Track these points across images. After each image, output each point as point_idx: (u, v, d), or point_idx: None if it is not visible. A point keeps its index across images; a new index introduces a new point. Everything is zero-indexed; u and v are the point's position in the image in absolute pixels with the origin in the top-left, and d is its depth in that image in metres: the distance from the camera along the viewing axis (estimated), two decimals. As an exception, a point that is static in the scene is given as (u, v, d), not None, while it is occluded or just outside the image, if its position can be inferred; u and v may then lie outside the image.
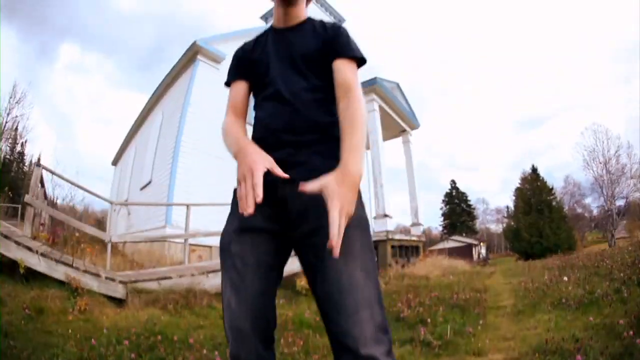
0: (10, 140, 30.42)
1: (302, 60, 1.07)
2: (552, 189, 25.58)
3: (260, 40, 1.19)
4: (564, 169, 77.67)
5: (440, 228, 47.03)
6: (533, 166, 26.36)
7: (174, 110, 9.59)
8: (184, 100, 8.97)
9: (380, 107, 9.04)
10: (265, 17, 15.05)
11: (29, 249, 3.72)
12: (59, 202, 7.09)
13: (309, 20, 1.19)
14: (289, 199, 0.90)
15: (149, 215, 9.33)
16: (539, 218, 23.03)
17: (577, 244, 23.25)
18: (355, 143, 0.86)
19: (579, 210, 33.51)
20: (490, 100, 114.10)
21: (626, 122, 49.00)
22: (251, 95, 1.18)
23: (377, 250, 7.69)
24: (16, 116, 29.41)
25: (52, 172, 6.27)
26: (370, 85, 8.68)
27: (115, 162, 18.14)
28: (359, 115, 0.91)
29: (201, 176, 8.69)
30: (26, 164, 33.16)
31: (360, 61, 1.08)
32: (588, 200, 31.27)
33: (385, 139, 9.58)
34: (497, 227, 49.19)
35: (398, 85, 10.07)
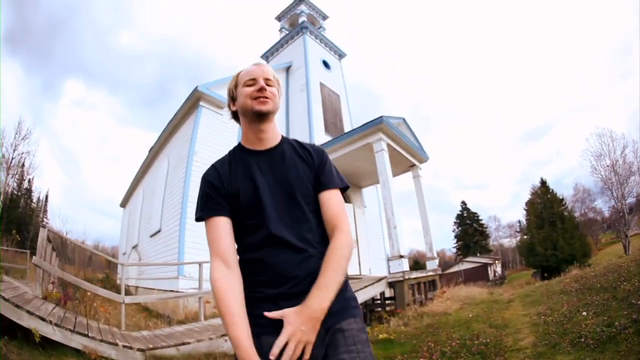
0: (17, 177, 31.02)
1: (301, 197, 1.06)
2: (562, 199, 25.33)
3: (235, 164, 1.12)
4: (573, 174, 76.96)
5: (454, 250, 46.42)
6: (542, 179, 26.19)
7: (180, 159, 9.68)
8: (189, 149, 9.06)
9: (388, 145, 8.99)
10: (265, 56, 15.50)
11: (42, 318, 3.70)
12: (66, 236, 7.10)
13: (284, 139, 1.18)
14: None
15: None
16: (552, 231, 22.75)
17: (591, 251, 23.04)
18: (325, 282, 0.93)
19: (591, 215, 33.15)
20: (494, 117, 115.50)
21: (628, 118, 48.64)
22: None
23: (395, 290, 7.61)
24: (22, 153, 30.18)
25: (59, 235, 6.34)
26: (377, 125, 8.64)
27: (123, 204, 18.33)
28: (338, 256, 0.98)
29: None
30: (34, 200, 33.70)
31: (344, 189, 1.15)
32: (598, 203, 30.87)
33: (394, 174, 9.53)
34: (510, 242, 48.53)
35: (404, 120, 10.08)
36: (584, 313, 4.78)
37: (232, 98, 1.18)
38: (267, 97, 1.09)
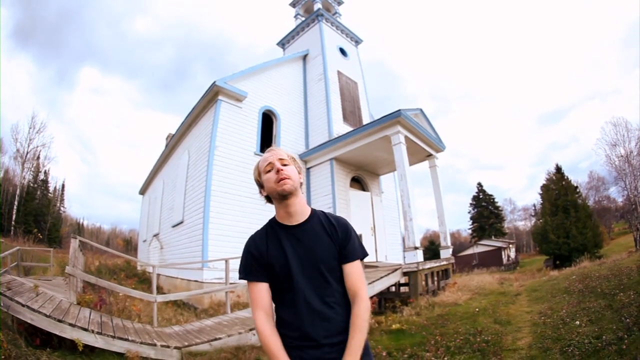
0: (33, 169, 31.69)
1: (325, 267, 1.28)
2: (576, 187, 25.10)
3: (271, 238, 1.34)
4: (589, 159, 75.27)
5: (470, 231, 46.40)
6: (557, 165, 25.91)
7: (200, 153, 9.82)
8: (210, 144, 9.17)
9: (406, 137, 9.00)
10: (282, 44, 15.22)
11: (84, 329, 3.95)
12: (85, 223, 7.46)
13: (314, 213, 1.38)
14: None
15: (184, 254, 9.58)
16: (566, 219, 22.76)
17: (603, 241, 23.04)
18: (355, 346, 1.19)
19: (605, 203, 32.71)
20: (512, 98, 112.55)
21: None
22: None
23: (409, 280, 7.81)
24: (37, 146, 30.74)
25: (88, 242, 6.58)
26: (395, 118, 8.67)
27: (142, 192, 18.72)
28: (361, 321, 1.23)
29: (234, 218, 8.87)
30: (50, 191, 34.69)
31: (363, 257, 1.37)
32: (612, 192, 30.43)
33: (411, 163, 9.56)
34: (525, 225, 48.35)
35: (422, 111, 9.98)
36: (577, 322, 4.93)
37: (261, 185, 1.38)
38: (285, 178, 1.28)
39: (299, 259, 1.28)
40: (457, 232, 54.91)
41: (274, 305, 1.33)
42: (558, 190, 24.31)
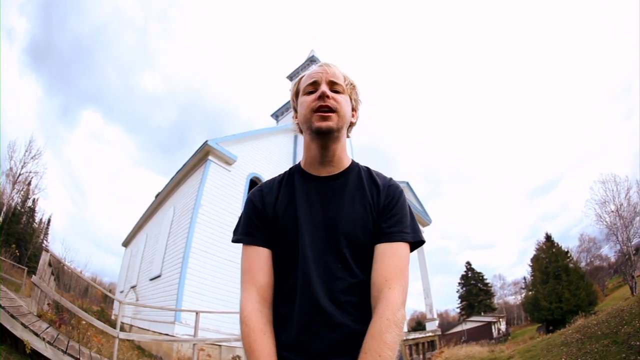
0: (22, 193, 30.89)
1: (346, 243, 0.85)
2: (567, 252, 25.17)
3: (285, 189, 0.95)
4: (580, 224, 75.82)
5: (458, 310, 45.98)
6: (546, 234, 26.22)
7: (185, 210, 9.95)
8: (195, 202, 9.32)
9: None
10: (275, 115, 15.76)
11: (36, 334, 3.73)
12: (67, 264, 7.19)
13: (354, 166, 0.98)
14: None
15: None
16: (557, 284, 22.59)
17: (597, 299, 22.53)
18: None
19: (597, 262, 32.65)
20: (503, 176, 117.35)
21: (632, 158, 48.55)
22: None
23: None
24: (30, 172, 30.21)
25: (60, 261, 6.43)
26: None
27: (126, 244, 18.52)
28: (382, 342, 0.71)
29: (210, 278, 8.80)
30: (36, 221, 33.72)
31: (416, 244, 0.90)
32: (604, 250, 30.48)
33: None
34: (515, 299, 47.94)
35: (408, 184, 10.28)
36: None
37: (295, 109, 1.01)
38: (329, 109, 0.89)
39: (314, 225, 0.87)
40: (445, 312, 53.76)
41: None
42: (548, 258, 24.30)
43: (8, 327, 3.59)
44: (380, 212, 0.88)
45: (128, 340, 8.28)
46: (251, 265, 0.88)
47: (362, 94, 1.01)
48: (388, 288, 0.78)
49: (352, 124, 0.99)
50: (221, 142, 10.22)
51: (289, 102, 15.83)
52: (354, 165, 0.97)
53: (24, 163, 29.78)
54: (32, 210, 33.08)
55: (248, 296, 0.84)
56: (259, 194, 0.96)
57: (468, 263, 46.40)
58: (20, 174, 29.63)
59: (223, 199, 9.86)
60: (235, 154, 10.40)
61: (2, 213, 26.22)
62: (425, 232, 11.02)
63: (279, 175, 1.00)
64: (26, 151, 29.71)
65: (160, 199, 12.95)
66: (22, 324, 3.73)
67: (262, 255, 0.89)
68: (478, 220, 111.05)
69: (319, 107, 0.89)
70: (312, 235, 0.86)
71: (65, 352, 3.86)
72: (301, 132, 0.98)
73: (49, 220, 37.78)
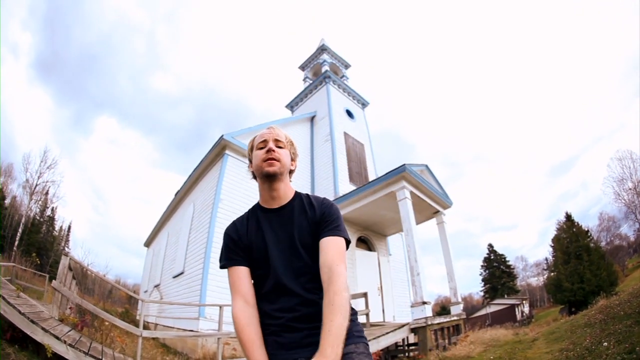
0: (40, 203, 31.49)
1: (301, 247, 1.17)
2: (587, 231, 24.71)
3: (251, 221, 1.26)
4: (599, 203, 74.32)
5: (482, 293, 45.44)
6: (567, 213, 25.66)
7: (205, 205, 10.00)
8: (215, 197, 9.37)
9: (412, 193, 9.03)
10: (290, 106, 15.91)
11: (57, 337, 3.76)
12: (88, 267, 7.23)
13: (296, 195, 1.29)
14: None
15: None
16: (579, 264, 22.21)
17: (618, 279, 22.36)
18: (334, 329, 0.96)
19: (617, 242, 32.03)
20: (522, 155, 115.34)
21: None
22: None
23: (418, 336, 7.51)
24: (47, 181, 30.78)
25: (80, 265, 6.47)
26: (400, 173, 8.76)
27: (147, 244, 18.80)
28: (340, 299, 1.02)
29: None
30: (56, 229, 34.11)
31: (343, 238, 1.20)
32: (624, 228, 29.85)
33: (418, 221, 9.50)
34: (538, 281, 47.17)
35: (427, 167, 10.08)
36: (605, 343, 4.77)
37: (250, 160, 1.32)
38: (274, 159, 1.21)
39: (277, 242, 1.20)
40: (469, 296, 53.56)
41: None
42: (569, 238, 23.92)
43: (28, 333, 3.67)
44: (318, 222, 1.20)
45: (152, 338, 8.46)
46: (235, 281, 1.19)
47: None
48: (337, 265, 1.09)
49: (291, 171, 1.31)
50: (237, 135, 10.26)
51: (303, 92, 16.04)
52: (296, 195, 1.29)
53: (40, 173, 30.24)
54: (51, 219, 33.50)
55: (235, 302, 1.15)
56: (233, 228, 1.27)
57: (490, 245, 45.53)
58: (37, 184, 30.13)
59: (242, 191, 9.88)
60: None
61: (22, 224, 26.75)
62: (447, 214, 10.91)
63: (246, 213, 1.31)
64: (41, 161, 30.17)
65: (180, 197, 13.05)
66: (43, 328, 3.77)
67: (242, 272, 1.20)
68: (499, 201, 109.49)
69: (267, 158, 1.22)
70: (278, 247, 1.18)
71: (87, 354, 3.90)
72: (255, 178, 1.30)
73: (69, 228, 38.36)
